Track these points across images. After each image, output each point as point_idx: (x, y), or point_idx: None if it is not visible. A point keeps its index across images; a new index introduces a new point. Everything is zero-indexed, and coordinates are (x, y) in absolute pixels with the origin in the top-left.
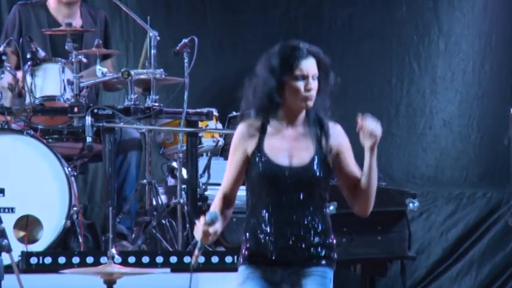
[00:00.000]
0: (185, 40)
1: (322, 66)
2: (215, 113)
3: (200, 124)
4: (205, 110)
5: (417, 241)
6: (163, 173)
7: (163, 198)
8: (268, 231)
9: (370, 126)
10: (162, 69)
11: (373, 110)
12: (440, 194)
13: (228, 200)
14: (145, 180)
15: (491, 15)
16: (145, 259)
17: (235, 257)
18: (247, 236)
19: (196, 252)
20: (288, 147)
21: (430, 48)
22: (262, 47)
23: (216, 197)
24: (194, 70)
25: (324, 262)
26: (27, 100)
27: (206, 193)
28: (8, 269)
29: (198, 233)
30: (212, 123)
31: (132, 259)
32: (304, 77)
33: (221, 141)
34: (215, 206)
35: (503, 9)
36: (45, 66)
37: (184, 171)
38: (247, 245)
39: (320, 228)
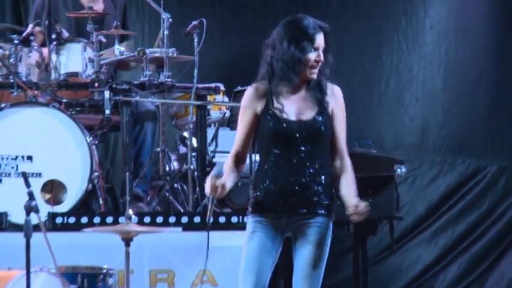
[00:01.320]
0: (195, 22)
1: (327, 40)
2: (222, 87)
3: (208, 97)
4: (213, 85)
5: (403, 203)
6: (175, 142)
7: (175, 165)
8: (276, 180)
9: (362, 212)
10: (174, 48)
11: (366, 84)
12: (425, 160)
13: (240, 156)
14: (159, 149)
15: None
16: (159, 219)
17: (240, 217)
18: (256, 186)
19: (209, 205)
20: (295, 107)
21: (417, 27)
22: (263, 27)
23: (229, 155)
24: (203, 49)
25: (325, 213)
26: (53, 76)
27: (214, 160)
28: (36, 228)
29: (207, 186)
30: (219, 97)
31: (147, 219)
32: (315, 49)
33: (227, 113)
34: (228, 162)
35: None
36: (68, 46)
37: (194, 140)
38: (256, 194)
39: (323, 179)
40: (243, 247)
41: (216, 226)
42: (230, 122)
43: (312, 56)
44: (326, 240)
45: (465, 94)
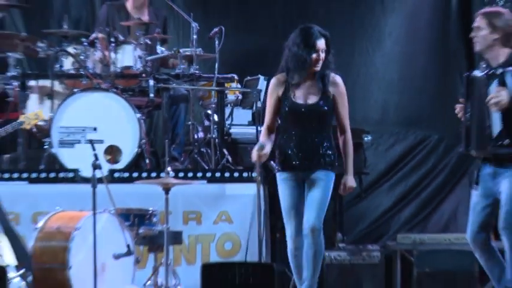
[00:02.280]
0: (215, 29)
1: (328, 43)
2: (236, 77)
3: (226, 85)
4: (229, 75)
5: (369, 162)
6: (201, 117)
7: (201, 134)
8: (293, 147)
9: (347, 191)
10: (200, 48)
11: (343, 76)
12: (385, 131)
13: (270, 128)
14: (190, 122)
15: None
16: (190, 174)
17: (249, 172)
18: (280, 152)
19: (257, 168)
20: (304, 93)
21: (379, 34)
22: (268, 30)
23: (263, 128)
24: (221, 48)
25: (329, 168)
26: (112, 69)
27: (230, 131)
28: (100, 181)
29: (254, 156)
30: (234, 84)
31: (181, 174)
32: (317, 51)
33: (240, 96)
34: (263, 134)
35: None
36: (123, 47)
37: (215, 116)
38: (279, 158)
39: (326, 144)
40: (280, 195)
41: (232, 179)
42: (242, 103)
43: (314, 55)
44: (329, 185)
45: (415, 83)
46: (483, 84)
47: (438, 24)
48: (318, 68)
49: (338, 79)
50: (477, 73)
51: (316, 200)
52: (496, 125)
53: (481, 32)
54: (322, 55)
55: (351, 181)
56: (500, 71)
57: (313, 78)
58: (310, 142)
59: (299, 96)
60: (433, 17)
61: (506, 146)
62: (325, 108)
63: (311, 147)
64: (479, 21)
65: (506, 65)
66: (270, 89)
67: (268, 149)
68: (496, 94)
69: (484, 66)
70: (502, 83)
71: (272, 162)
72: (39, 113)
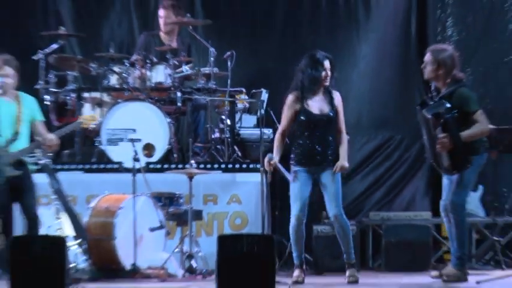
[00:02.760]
0: (228, 53)
1: (332, 64)
2: (244, 90)
3: (236, 96)
4: (238, 88)
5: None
6: (217, 121)
7: (217, 134)
8: (306, 147)
9: (342, 170)
10: (216, 68)
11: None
12: (359, 132)
13: (284, 134)
14: (208, 125)
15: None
16: (208, 165)
17: (255, 164)
18: (296, 151)
19: (268, 170)
20: (316, 105)
21: (354, 57)
22: (269, 53)
23: (278, 133)
24: (232, 67)
25: (335, 163)
26: (147, 84)
27: (239, 132)
28: (138, 171)
29: (265, 165)
30: (242, 96)
31: (201, 165)
32: (324, 70)
33: (247, 105)
34: (278, 138)
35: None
36: (157, 66)
37: (228, 120)
38: (295, 156)
39: (331, 147)
40: (291, 184)
41: (241, 170)
42: (248, 110)
43: (323, 73)
44: (338, 178)
45: (382, 95)
46: (431, 124)
47: (401, 50)
48: (327, 83)
49: (338, 94)
50: (426, 109)
51: (334, 193)
52: (444, 159)
53: (428, 66)
54: (329, 72)
55: (344, 163)
56: (443, 106)
57: (323, 93)
58: (321, 143)
59: (314, 107)
60: (397, 45)
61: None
62: (334, 116)
63: (322, 147)
64: (427, 57)
65: (447, 94)
66: (288, 103)
67: (276, 159)
68: (441, 141)
69: (434, 93)
70: (444, 125)
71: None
72: (95, 116)
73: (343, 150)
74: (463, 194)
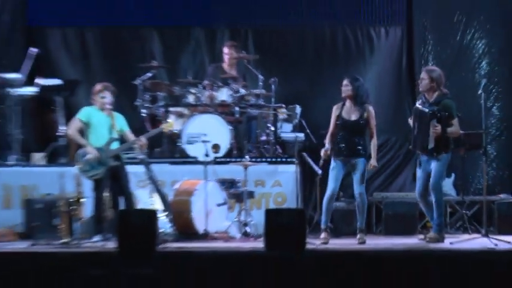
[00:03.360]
0: (272, 79)
1: (352, 84)
2: (283, 105)
3: (278, 109)
4: (279, 104)
5: None
6: (265, 128)
7: (264, 137)
8: (342, 144)
9: (373, 167)
10: (263, 90)
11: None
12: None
13: (333, 134)
14: (258, 131)
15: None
16: (258, 159)
17: (291, 158)
18: (334, 147)
19: (321, 160)
20: (349, 114)
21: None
22: (301, 78)
23: (328, 134)
24: (275, 89)
25: (363, 156)
26: (215, 101)
27: (280, 135)
28: (208, 163)
29: (322, 153)
30: (282, 109)
31: (253, 159)
32: (343, 86)
33: (286, 116)
34: (329, 137)
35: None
36: (221, 89)
37: (272, 127)
38: (335, 151)
39: (362, 144)
40: (330, 170)
41: (281, 162)
42: (286, 120)
43: (342, 89)
44: (365, 167)
45: (382, 106)
46: (428, 119)
47: (395, 76)
48: (345, 96)
49: (370, 107)
50: (422, 107)
51: (360, 177)
52: (431, 142)
53: (423, 81)
54: (346, 88)
55: (374, 162)
56: (435, 108)
57: (354, 105)
58: (353, 142)
59: (347, 115)
60: (392, 72)
61: (433, 152)
62: (363, 123)
63: (353, 144)
64: (423, 74)
65: (435, 102)
66: (333, 111)
67: (329, 148)
68: (435, 128)
69: (423, 100)
70: (439, 119)
71: (311, 162)
72: (171, 123)
73: (373, 151)
74: (439, 180)
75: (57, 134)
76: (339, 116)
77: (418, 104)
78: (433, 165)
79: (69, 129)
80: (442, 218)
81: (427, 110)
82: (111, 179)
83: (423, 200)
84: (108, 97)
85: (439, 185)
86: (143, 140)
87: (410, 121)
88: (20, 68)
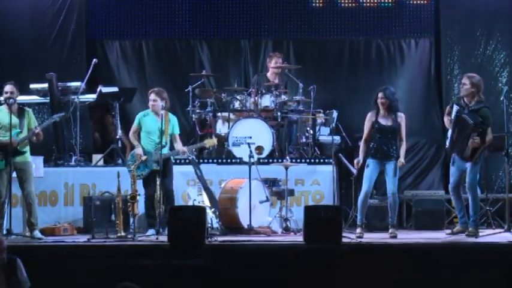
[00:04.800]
0: (311, 86)
1: (385, 94)
2: (321, 111)
3: (316, 114)
4: (318, 109)
5: None
6: (304, 131)
7: (304, 140)
8: (378, 147)
9: (401, 165)
10: (303, 96)
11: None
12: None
13: (367, 140)
14: (298, 134)
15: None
16: (298, 160)
17: (329, 159)
18: (370, 149)
19: (355, 169)
20: (384, 120)
21: (394, 86)
22: (338, 87)
23: (362, 140)
24: (314, 96)
25: (395, 159)
26: (259, 107)
27: (319, 138)
28: (253, 163)
29: (355, 164)
30: (321, 114)
31: (294, 160)
32: (378, 99)
33: (324, 120)
34: (363, 143)
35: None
36: (265, 95)
37: (311, 131)
38: (371, 152)
39: (395, 147)
40: (365, 170)
41: (320, 163)
42: (324, 124)
43: (378, 101)
44: (398, 168)
45: (413, 112)
46: (470, 131)
47: (424, 84)
48: (384, 104)
49: (402, 114)
50: (466, 115)
51: (393, 178)
52: (468, 151)
53: (465, 86)
54: (382, 100)
55: (402, 160)
56: (479, 120)
57: (388, 112)
58: (387, 145)
59: (382, 121)
60: (422, 80)
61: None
62: (396, 128)
63: (387, 147)
64: (464, 79)
65: (474, 109)
66: (368, 118)
67: (361, 160)
68: (475, 142)
69: (461, 104)
70: (481, 131)
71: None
72: (215, 140)
73: (403, 152)
74: (475, 181)
75: (115, 137)
76: (375, 122)
77: (457, 108)
78: (469, 167)
79: (130, 132)
80: (478, 215)
81: (471, 122)
82: (162, 177)
83: (455, 194)
84: (158, 101)
85: (475, 185)
86: (186, 151)
87: (446, 119)
88: (83, 77)
